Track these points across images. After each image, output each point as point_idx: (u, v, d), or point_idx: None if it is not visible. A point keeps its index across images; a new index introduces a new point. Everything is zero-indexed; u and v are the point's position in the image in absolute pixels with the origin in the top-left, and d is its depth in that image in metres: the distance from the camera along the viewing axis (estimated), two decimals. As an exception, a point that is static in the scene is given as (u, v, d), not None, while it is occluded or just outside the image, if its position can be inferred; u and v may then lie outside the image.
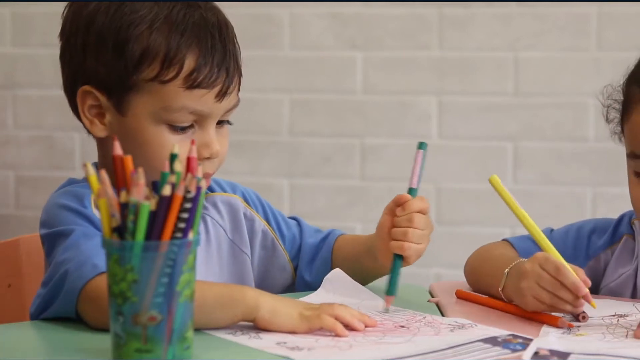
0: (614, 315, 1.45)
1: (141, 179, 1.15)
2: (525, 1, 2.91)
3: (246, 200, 1.68)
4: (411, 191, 1.52)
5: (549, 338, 1.31)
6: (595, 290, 1.63)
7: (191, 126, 1.49)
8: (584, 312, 1.41)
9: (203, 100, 1.47)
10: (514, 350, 1.24)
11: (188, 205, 1.16)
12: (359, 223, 3.06)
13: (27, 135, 3.20)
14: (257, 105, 3.04)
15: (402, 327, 1.36)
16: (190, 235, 1.17)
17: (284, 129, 3.08)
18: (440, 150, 2.98)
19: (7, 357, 1.23)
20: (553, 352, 1.24)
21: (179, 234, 1.16)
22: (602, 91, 1.64)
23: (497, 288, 1.49)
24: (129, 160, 1.19)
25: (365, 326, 1.34)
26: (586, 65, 2.91)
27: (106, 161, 1.52)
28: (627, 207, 1.71)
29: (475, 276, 1.62)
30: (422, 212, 1.51)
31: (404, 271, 1.49)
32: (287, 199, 3.09)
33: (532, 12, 2.92)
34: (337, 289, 1.54)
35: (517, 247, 1.65)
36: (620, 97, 1.61)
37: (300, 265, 1.69)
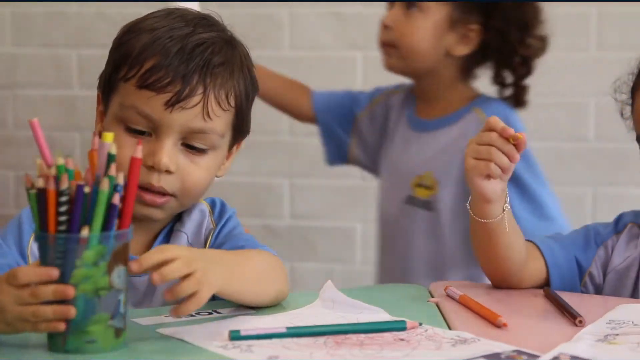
0: None
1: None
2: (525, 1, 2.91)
3: (212, 210, 1.63)
4: None
5: (578, 344, 1.26)
6: (603, 273, 1.64)
7: (148, 134, 1.48)
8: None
9: (150, 103, 1.45)
10: (518, 367, 1.20)
11: (64, 199, 1.21)
12: (359, 223, 3.05)
13: (27, 135, 3.20)
14: (257, 105, 3.03)
15: (402, 340, 1.30)
16: (85, 232, 1.21)
17: (284, 129, 3.08)
18: (440, 150, 2.98)
19: (6, 357, 1.23)
20: (574, 359, 1.20)
21: (62, 227, 1.22)
22: (613, 87, 1.67)
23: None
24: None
25: None
26: (586, 65, 2.91)
27: None
28: (627, 207, 1.72)
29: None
30: None
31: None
32: (287, 199, 3.09)
33: (532, 12, 2.92)
34: (335, 303, 1.47)
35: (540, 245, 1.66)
36: (630, 83, 1.64)
37: None
